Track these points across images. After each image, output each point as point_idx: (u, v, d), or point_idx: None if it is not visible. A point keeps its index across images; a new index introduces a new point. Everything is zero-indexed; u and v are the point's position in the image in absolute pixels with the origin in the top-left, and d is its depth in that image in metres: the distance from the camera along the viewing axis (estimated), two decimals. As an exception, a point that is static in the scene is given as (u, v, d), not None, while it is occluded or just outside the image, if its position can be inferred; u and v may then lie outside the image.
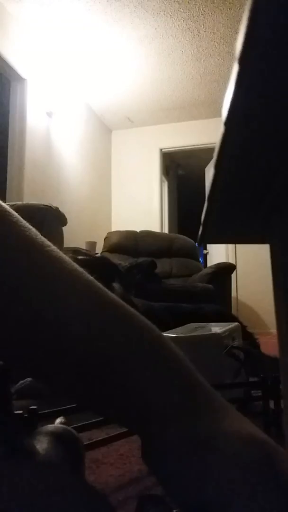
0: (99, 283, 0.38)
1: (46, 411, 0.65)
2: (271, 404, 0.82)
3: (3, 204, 0.36)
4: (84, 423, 0.69)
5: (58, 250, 0.37)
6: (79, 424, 0.69)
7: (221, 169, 0.22)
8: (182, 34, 3.41)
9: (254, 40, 0.14)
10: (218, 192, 0.25)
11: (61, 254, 0.37)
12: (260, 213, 0.30)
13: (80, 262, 0.38)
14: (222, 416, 0.33)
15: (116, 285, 1.57)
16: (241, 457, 0.29)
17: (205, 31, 3.38)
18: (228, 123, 0.20)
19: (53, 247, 0.37)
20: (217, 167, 0.22)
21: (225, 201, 0.27)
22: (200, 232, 0.35)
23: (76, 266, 0.38)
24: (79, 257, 1.50)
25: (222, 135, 0.20)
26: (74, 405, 0.67)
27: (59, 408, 0.67)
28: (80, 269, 0.38)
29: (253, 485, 0.28)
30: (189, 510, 0.31)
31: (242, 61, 0.15)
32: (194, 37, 3.46)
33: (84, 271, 0.38)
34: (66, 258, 0.37)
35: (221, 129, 0.20)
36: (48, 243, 0.37)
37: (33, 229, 0.37)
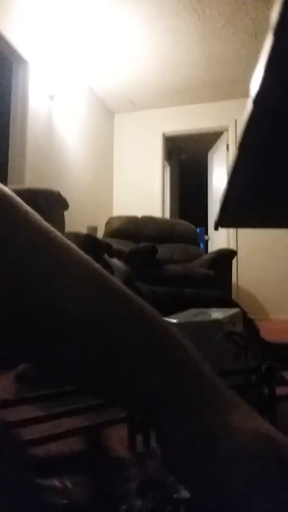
0: (106, 271, 0.37)
1: (28, 395, 0.64)
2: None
3: (6, 188, 0.36)
4: (78, 406, 0.68)
5: (62, 236, 0.36)
6: (73, 407, 0.68)
7: (245, 150, 0.21)
8: (187, 14, 3.34)
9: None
10: (240, 174, 0.24)
11: (66, 240, 0.37)
12: (283, 197, 0.30)
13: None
14: (228, 408, 0.33)
15: (121, 264, 1.56)
16: (244, 450, 0.29)
17: (210, 12, 3.31)
18: (257, 100, 0.18)
19: (57, 233, 0.36)
20: (241, 148, 0.21)
21: (247, 184, 0.26)
22: (217, 216, 0.34)
23: (81, 253, 0.37)
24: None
25: (249, 114, 0.19)
26: (60, 389, 0.66)
27: (42, 393, 0.66)
28: (87, 257, 0.37)
29: (255, 478, 0.28)
30: (195, 496, 0.31)
31: (278, 32, 0.13)
32: (199, 18, 3.39)
33: (90, 258, 0.37)
34: (72, 245, 0.37)
35: (248, 107, 0.19)
36: (52, 229, 0.36)
37: (37, 214, 0.36)
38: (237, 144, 0.23)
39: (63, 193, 2.58)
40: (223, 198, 0.31)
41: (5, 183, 3.26)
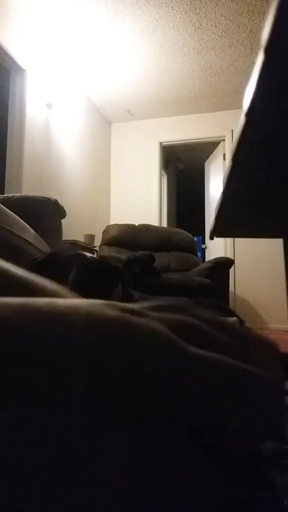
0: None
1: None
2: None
3: None
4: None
5: None
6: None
7: (239, 161, 0.22)
8: (184, 26, 3.38)
9: (282, 30, 0.13)
10: (235, 184, 0.24)
11: None
12: (276, 207, 0.30)
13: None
14: None
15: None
16: None
17: (206, 24, 3.36)
18: (249, 113, 0.19)
19: None
20: (235, 159, 0.22)
21: (241, 194, 0.27)
22: (212, 226, 0.34)
23: None
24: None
25: (242, 127, 0.20)
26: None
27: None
28: None
29: None
30: None
31: (268, 50, 0.14)
32: (195, 30, 3.43)
33: None
34: None
35: (241, 120, 0.20)
36: None
37: None
38: (231, 156, 0.23)
39: (60, 202, 2.58)
40: (217, 208, 0.31)
41: (2, 191, 3.24)
